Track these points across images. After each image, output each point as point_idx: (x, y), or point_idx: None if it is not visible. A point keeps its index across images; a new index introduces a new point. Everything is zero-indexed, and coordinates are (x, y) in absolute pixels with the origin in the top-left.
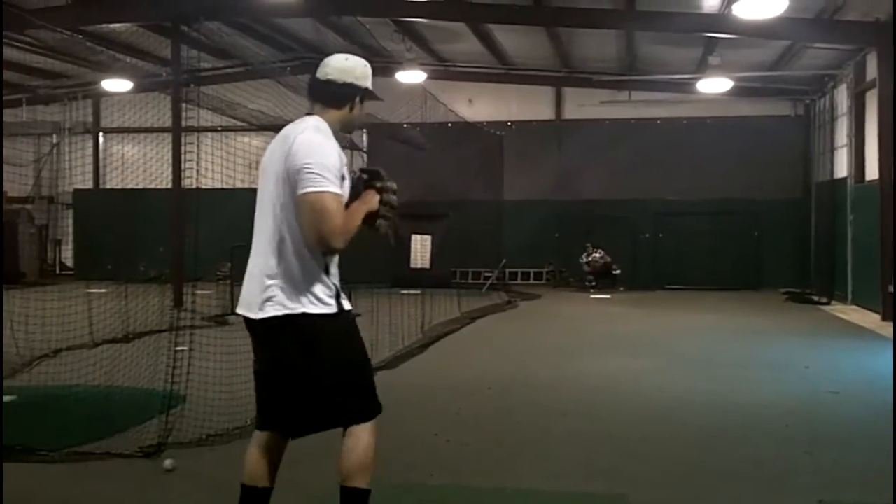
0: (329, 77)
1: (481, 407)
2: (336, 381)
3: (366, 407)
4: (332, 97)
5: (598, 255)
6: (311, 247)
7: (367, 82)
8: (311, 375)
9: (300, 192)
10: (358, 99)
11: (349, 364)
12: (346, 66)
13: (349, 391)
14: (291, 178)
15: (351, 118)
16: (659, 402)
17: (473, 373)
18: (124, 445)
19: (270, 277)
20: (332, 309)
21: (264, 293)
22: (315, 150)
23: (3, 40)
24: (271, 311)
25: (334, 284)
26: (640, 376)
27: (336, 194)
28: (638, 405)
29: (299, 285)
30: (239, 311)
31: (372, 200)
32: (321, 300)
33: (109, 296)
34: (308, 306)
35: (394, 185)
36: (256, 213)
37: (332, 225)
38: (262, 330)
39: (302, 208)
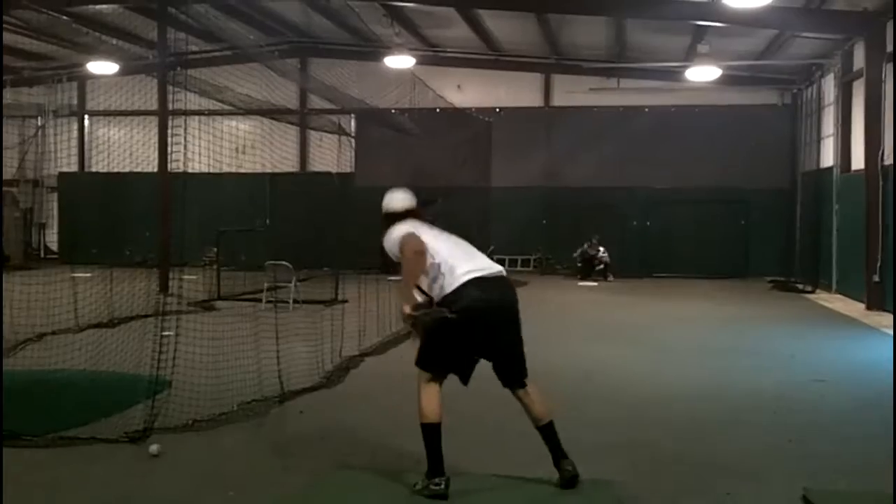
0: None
1: (468, 393)
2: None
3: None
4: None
5: (599, 251)
6: None
7: (408, 203)
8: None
9: None
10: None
11: None
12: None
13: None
14: None
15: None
16: (645, 390)
17: None
18: (110, 430)
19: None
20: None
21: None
22: None
23: None
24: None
25: None
26: (627, 364)
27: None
28: (624, 393)
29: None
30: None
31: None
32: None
33: (94, 280)
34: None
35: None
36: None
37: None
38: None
39: None
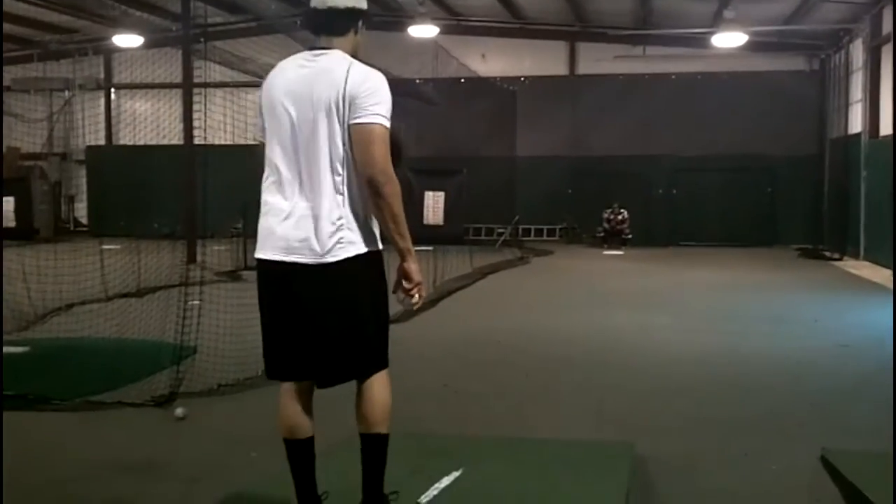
0: (329, 5)
1: (491, 359)
2: (384, 322)
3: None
4: (338, 26)
5: (620, 216)
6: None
7: (365, 4)
8: (370, 316)
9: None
10: (361, 23)
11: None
12: None
13: (386, 334)
14: (352, 108)
15: (356, 44)
16: (669, 354)
17: (484, 326)
18: (136, 395)
19: (340, 217)
20: (381, 245)
21: (335, 234)
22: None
23: None
24: (348, 251)
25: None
26: (651, 330)
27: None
28: (648, 357)
29: (365, 221)
30: (280, 257)
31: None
32: (377, 236)
33: (123, 252)
34: (377, 242)
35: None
36: (279, 150)
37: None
38: (323, 275)
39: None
